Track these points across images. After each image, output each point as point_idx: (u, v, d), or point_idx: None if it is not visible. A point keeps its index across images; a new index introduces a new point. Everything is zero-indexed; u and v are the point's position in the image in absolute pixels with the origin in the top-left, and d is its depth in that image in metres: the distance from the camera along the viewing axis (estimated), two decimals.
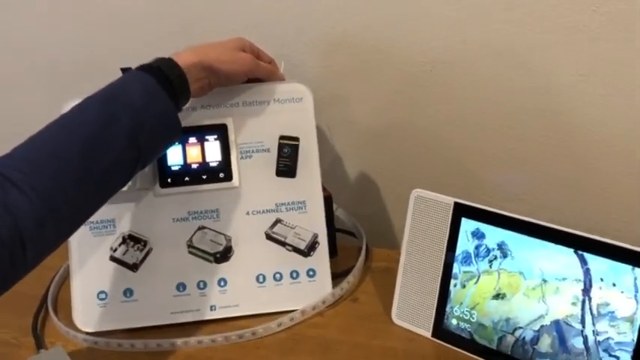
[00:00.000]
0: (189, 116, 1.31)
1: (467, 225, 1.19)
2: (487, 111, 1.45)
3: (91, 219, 1.20)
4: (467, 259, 1.19)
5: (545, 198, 1.48)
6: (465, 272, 1.19)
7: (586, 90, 1.34)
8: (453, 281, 1.21)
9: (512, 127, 1.44)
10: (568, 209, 1.47)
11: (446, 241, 1.21)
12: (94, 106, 1.08)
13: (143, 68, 1.14)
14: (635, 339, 1.02)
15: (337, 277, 1.38)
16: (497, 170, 1.50)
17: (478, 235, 1.18)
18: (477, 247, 1.18)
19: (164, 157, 1.30)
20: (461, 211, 1.19)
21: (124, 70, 1.33)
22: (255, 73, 1.29)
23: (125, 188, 1.17)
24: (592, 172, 1.42)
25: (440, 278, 1.22)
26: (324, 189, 1.37)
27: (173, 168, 1.31)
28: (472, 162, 1.51)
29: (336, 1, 1.44)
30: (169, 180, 1.31)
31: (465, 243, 1.19)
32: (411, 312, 1.27)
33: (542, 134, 1.42)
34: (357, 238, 1.53)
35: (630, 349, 1.03)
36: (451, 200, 1.20)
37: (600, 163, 1.41)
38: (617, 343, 1.04)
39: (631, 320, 1.03)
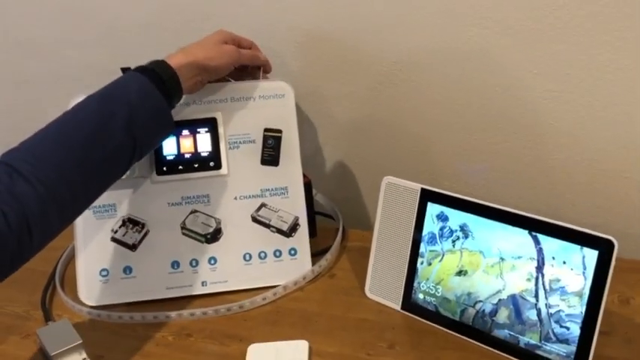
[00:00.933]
0: (183, 111, 1.31)
1: (432, 209, 1.18)
2: (451, 106, 1.44)
3: (94, 204, 1.19)
4: (432, 240, 1.18)
5: (504, 184, 1.48)
6: (430, 251, 1.19)
7: (540, 87, 1.34)
8: (420, 259, 1.20)
9: (474, 120, 1.43)
10: (524, 194, 1.46)
11: (413, 223, 1.20)
12: (94, 103, 1.08)
13: (139, 70, 1.15)
14: (584, 311, 1.02)
15: (316, 255, 1.37)
16: (460, 160, 1.49)
17: (442, 217, 1.17)
18: (441, 229, 1.17)
19: (160, 148, 1.30)
20: (427, 196, 1.19)
21: (123, 69, 1.32)
22: (239, 61, 1.28)
23: (124, 176, 1.18)
24: (546, 161, 1.41)
25: (408, 256, 1.22)
26: (304, 176, 1.36)
27: (168, 157, 1.31)
28: (438, 152, 1.50)
29: (317, 4, 1.43)
30: (165, 168, 1.31)
31: (430, 225, 1.18)
32: (382, 287, 1.26)
33: (501, 127, 1.42)
34: (334, 220, 1.52)
35: (579, 320, 1.02)
36: (418, 186, 1.20)
37: (553, 153, 1.40)
38: (568, 315, 1.04)
39: (580, 295, 1.02)
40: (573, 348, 1.03)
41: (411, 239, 1.21)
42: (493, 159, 1.46)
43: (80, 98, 1.27)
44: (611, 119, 1.32)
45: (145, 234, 1.31)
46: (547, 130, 1.38)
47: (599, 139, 1.35)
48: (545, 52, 1.30)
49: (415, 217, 1.20)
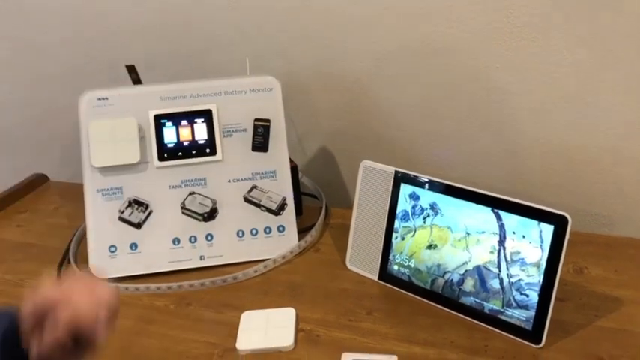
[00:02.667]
0: (181, 103, 1.29)
1: (405, 189, 1.16)
2: (422, 98, 1.42)
3: (103, 186, 1.24)
4: (405, 217, 1.16)
5: (469, 167, 1.47)
6: (404, 227, 1.17)
7: (502, 80, 1.33)
8: (394, 234, 1.18)
9: (442, 110, 1.42)
10: (488, 176, 1.45)
11: (388, 202, 1.18)
12: None
13: None
14: (541, 280, 1.00)
15: (302, 231, 1.36)
16: (430, 145, 1.48)
17: (414, 197, 1.15)
18: (413, 207, 1.15)
19: (161, 137, 1.28)
20: (400, 178, 1.17)
21: (128, 67, 1.30)
22: None
23: (134, 161, 1.23)
24: (508, 146, 1.40)
25: (384, 232, 1.20)
26: (290, 161, 1.35)
27: (169, 145, 1.29)
28: (411, 139, 1.49)
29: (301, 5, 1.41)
30: (166, 155, 1.29)
31: (403, 204, 1.16)
32: (361, 259, 1.24)
33: (466, 116, 1.40)
34: (318, 200, 1.51)
35: (537, 288, 1.01)
36: (392, 169, 1.18)
37: (515, 139, 1.39)
38: (527, 283, 1.02)
39: (537, 265, 1.01)
40: (532, 313, 1.02)
41: (386, 216, 1.19)
42: (460, 144, 1.45)
43: (89, 93, 1.26)
44: (567, 107, 1.31)
45: (149, 214, 1.29)
46: (508, 118, 1.36)
47: (555, 125, 1.34)
48: (506, 48, 1.29)
49: (390, 196, 1.18)
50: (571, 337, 1.04)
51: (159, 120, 1.28)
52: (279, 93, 1.31)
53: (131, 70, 1.36)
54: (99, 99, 1.28)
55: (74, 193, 1.36)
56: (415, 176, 1.15)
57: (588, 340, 1.03)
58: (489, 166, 1.44)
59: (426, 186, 1.13)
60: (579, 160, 1.35)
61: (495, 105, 1.36)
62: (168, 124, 1.29)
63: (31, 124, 1.82)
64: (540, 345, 1.01)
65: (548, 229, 0.99)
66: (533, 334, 1.02)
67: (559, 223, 0.98)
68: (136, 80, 1.37)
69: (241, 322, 1.13)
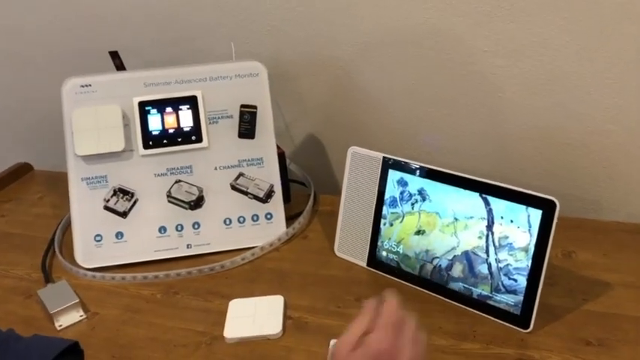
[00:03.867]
0: (166, 90, 1.30)
1: (393, 175, 1.17)
2: (409, 82, 1.43)
3: (87, 175, 1.24)
4: (393, 203, 1.17)
5: (458, 152, 1.47)
6: (392, 213, 1.18)
7: (490, 63, 1.33)
8: (382, 221, 1.19)
9: (431, 94, 1.43)
10: (476, 160, 1.46)
11: (376, 189, 1.19)
12: None
13: None
14: (530, 265, 1.02)
15: (290, 218, 1.37)
16: (418, 130, 1.49)
17: (402, 183, 1.16)
18: (401, 193, 1.16)
19: (146, 124, 1.29)
20: (388, 164, 1.18)
21: (111, 53, 1.30)
22: None
23: (118, 149, 1.23)
24: (496, 131, 1.41)
25: (372, 218, 1.21)
26: (278, 147, 1.35)
27: (154, 133, 1.29)
28: (399, 124, 1.49)
29: None
30: (151, 143, 1.29)
31: (391, 189, 1.18)
32: (349, 246, 1.26)
33: (454, 100, 1.41)
34: (306, 187, 1.52)
35: (525, 273, 1.02)
36: (380, 155, 1.19)
37: (503, 123, 1.40)
38: (515, 268, 1.04)
39: (526, 250, 1.02)
40: (520, 298, 1.03)
41: (374, 203, 1.20)
42: (449, 129, 1.45)
43: (71, 80, 1.26)
44: (555, 91, 1.32)
45: (135, 202, 1.30)
46: (497, 102, 1.37)
47: (544, 109, 1.35)
48: (494, 31, 1.30)
49: (378, 182, 1.19)
50: (559, 322, 1.06)
51: (143, 107, 1.29)
52: (265, 78, 1.32)
53: (114, 56, 1.37)
54: (82, 86, 1.29)
55: (59, 182, 1.37)
56: (403, 162, 1.16)
57: (576, 324, 1.05)
58: (478, 151, 1.45)
59: (414, 172, 1.14)
60: (568, 144, 1.36)
61: (484, 89, 1.36)
62: (153, 111, 1.29)
63: (14, 112, 1.82)
64: (529, 330, 1.03)
65: (536, 214, 1.01)
66: (521, 318, 1.04)
67: (547, 208, 1.00)
68: (120, 66, 1.37)
69: (229, 310, 1.14)
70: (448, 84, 1.39)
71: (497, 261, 1.06)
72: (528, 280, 1.02)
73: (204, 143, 1.30)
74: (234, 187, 1.32)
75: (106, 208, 1.30)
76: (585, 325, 1.04)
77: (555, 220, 0.99)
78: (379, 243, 1.20)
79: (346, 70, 1.46)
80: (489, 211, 1.06)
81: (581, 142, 1.35)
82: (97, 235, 1.30)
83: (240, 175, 1.32)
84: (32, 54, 1.71)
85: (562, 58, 1.28)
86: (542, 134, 1.38)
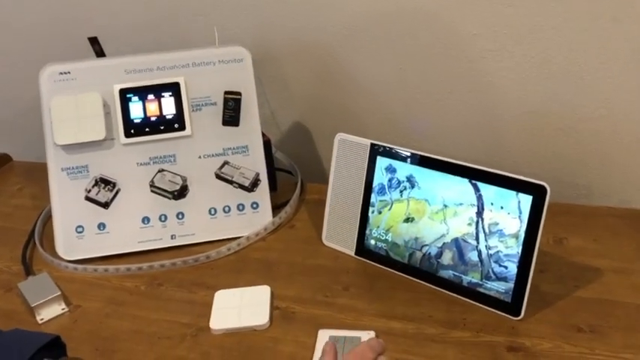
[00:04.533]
0: (148, 77, 1.30)
1: (381, 162, 1.18)
2: (398, 66, 1.43)
3: (67, 165, 1.24)
4: (382, 190, 1.18)
5: (447, 137, 1.48)
6: (380, 201, 1.19)
7: (480, 46, 1.34)
8: (371, 209, 1.20)
9: (419, 79, 1.43)
10: (466, 146, 1.47)
11: (364, 176, 1.20)
12: None
13: None
14: (520, 252, 1.03)
15: (277, 208, 1.38)
16: (407, 116, 1.49)
17: (391, 170, 1.17)
18: (390, 180, 1.17)
19: (127, 112, 1.29)
20: (376, 151, 1.18)
21: (90, 39, 1.30)
22: None
23: (99, 138, 1.24)
24: (486, 115, 1.42)
25: (360, 206, 1.22)
26: (263, 135, 1.36)
27: (135, 121, 1.29)
28: (387, 109, 1.50)
29: None
30: (132, 131, 1.29)
31: (380, 177, 1.18)
32: (337, 235, 1.26)
33: (443, 84, 1.42)
34: (293, 176, 1.52)
35: (516, 260, 1.04)
36: (368, 142, 1.19)
37: (493, 108, 1.41)
38: (506, 255, 1.05)
39: (516, 236, 1.03)
40: (511, 285, 1.05)
41: (362, 190, 1.21)
42: (438, 114, 1.46)
43: (49, 67, 1.26)
44: (546, 75, 1.33)
45: (117, 192, 1.30)
46: (487, 86, 1.38)
47: (535, 94, 1.36)
48: (484, 13, 1.30)
49: (366, 170, 1.20)
50: (550, 309, 1.07)
51: (124, 94, 1.29)
52: (249, 64, 1.32)
53: (94, 42, 1.36)
54: (60, 73, 1.28)
55: (38, 173, 1.37)
56: (391, 148, 1.17)
57: (568, 310, 1.06)
58: (467, 137, 1.46)
59: (403, 158, 1.15)
60: (559, 129, 1.37)
61: (473, 73, 1.37)
62: (135, 98, 1.29)
63: None
64: (519, 317, 1.05)
65: (526, 200, 1.02)
66: (512, 306, 1.05)
67: (538, 193, 1.01)
68: (100, 53, 1.36)
69: (215, 301, 1.15)
70: (437, 69, 1.40)
71: (488, 248, 1.07)
72: (519, 267, 1.03)
73: (188, 131, 1.30)
74: (218, 176, 1.32)
75: (88, 198, 1.30)
76: (577, 311, 1.06)
77: (546, 206, 1.00)
78: (367, 231, 1.21)
79: (333, 55, 1.46)
80: (479, 198, 1.07)
81: (572, 127, 1.37)
82: (79, 227, 1.30)
83: (225, 163, 1.32)
84: (8, 41, 1.70)
85: (554, 42, 1.28)
86: (533, 119, 1.39)
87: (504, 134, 1.42)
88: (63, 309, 1.17)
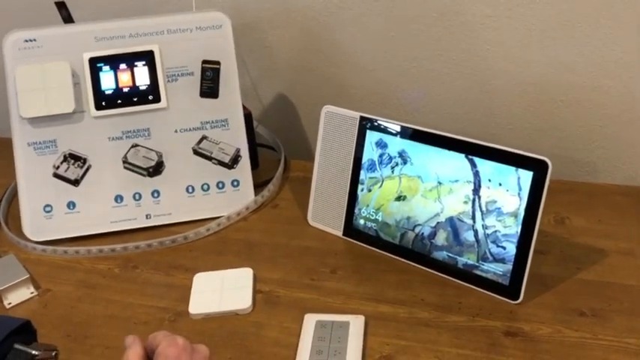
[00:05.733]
0: (120, 44, 1.29)
1: (371, 136, 1.18)
2: (389, 34, 1.43)
3: (34, 139, 1.24)
4: (372, 167, 1.19)
5: (442, 110, 1.49)
6: (370, 178, 1.19)
7: (478, 13, 1.34)
8: (360, 186, 1.21)
9: (412, 48, 1.43)
10: (463, 119, 1.48)
11: (353, 152, 1.21)
12: None
13: None
14: (519, 231, 1.04)
15: (259, 186, 1.38)
16: (399, 87, 1.49)
17: (381, 144, 1.17)
18: (380, 156, 1.18)
19: (98, 82, 1.29)
20: (366, 124, 1.19)
21: (57, 3, 1.29)
22: None
23: (68, 111, 1.23)
24: (484, 86, 1.43)
25: (349, 184, 1.22)
26: (244, 107, 1.36)
27: (107, 92, 1.29)
28: (377, 80, 1.50)
29: None
30: (104, 103, 1.29)
31: (370, 152, 1.19)
32: (324, 215, 1.27)
33: (438, 53, 1.42)
34: (276, 152, 1.52)
35: (515, 240, 1.04)
36: (357, 115, 1.20)
37: (491, 79, 1.41)
38: (504, 235, 1.05)
39: (515, 215, 1.04)
40: (509, 266, 1.05)
41: (351, 167, 1.22)
42: (431, 85, 1.46)
43: (13, 34, 1.25)
44: (548, 44, 1.33)
45: (87, 169, 1.30)
46: (484, 55, 1.38)
47: (535, 63, 1.36)
48: None
49: (355, 145, 1.21)
50: (551, 292, 1.08)
51: (95, 63, 1.29)
52: (229, 31, 1.32)
53: (61, 6, 1.35)
54: (26, 40, 1.28)
55: (2, 148, 1.36)
56: (382, 122, 1.17)
57: (569, 293, 1.08)
58: (463, 110, 1.46)
59: (394, 132, 1.16)
60: (561, 101, 1.38)
61: (469, 41, 1.37)
62: (106, 67, 1.29)
63: None
64: (518, 301, 1.06)
65: (526, 176, 1.02)
66: (510, 289, 1.06)
67: (538, 169, 1.01)
68: (68, 19, 1.36)
69: (194, 284, 1.15)
70: (431, 36, 1.40)
71: (485, 227, 1.07)
72: (518, 248, 1.04)
73: (163, 103, 1.30)
74: (196, 152, 1.33)
75: (56, 175, 1.30)
76: (578, 294, 1.07)
77: (547, 182, 1.00)
78: (356, 210, 1.22)
79: (319, 20, 1.46)
80: (476, 174, 1.08)
81: (575, 98, 1.37)
82: (47, 206, 1.30)
83: (203, 138, 1.33)
84: None
85: (555, 6, 1.29)
86: (533, 90, 1.39)
87: (503, 106, 1.43)
88: (32, 293, 1.17)
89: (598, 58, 1.31)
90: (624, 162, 1.42)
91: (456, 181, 1.10)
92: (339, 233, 1.25)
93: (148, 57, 1.30)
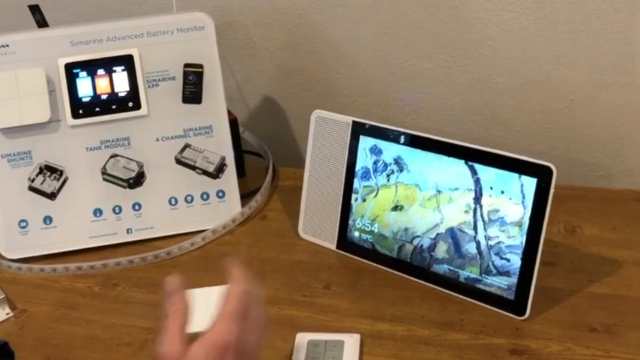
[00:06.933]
0: (97, 49, 1.30)
1: (365, 142, 1.19)
2: (383, 31, 1.44)
3: (8, 151, 1.25)
4: (366, 175, 1.19)
5: (441, 112, 1.49)
6: (365, 187, 1.20)
7: (478, 6, 1.35)
8: (354, 196, 1.21)
9: (409, 45, 1.44)
10: (464, 122, 1.48)
11: (346, 159, 1.21)
12: None
13: None
14: (524, 242, 1.04)
15: (246, 196, 1.39)
16: (394, 88, 1.50)
17: (376, 151, 1.18)
18: (375, 163, 1.18)
19: (75, 89, 1.29)
20: (359, 129, 1.19)
21: (31, 7, 1.30)
22: None
23: (43, 120, 1.24)
24: (487, 85, 1.43)
25: (342, 193, 1.23)
26: (229, 113, 1.37)
27: (84, 99, 1.30)
28: (371, 81, 1.51)
29: None
30: (81, 111, 1.30)
31: (363, 159, 1.19)
32: (316, 226, 1.28)
33: (437, 51, 1.42)
34: (263, 159, 1.53)
35: (519, 251, 1.04)
36: (349, 119, 1.20)
37: (494, 77, 1.41)
38: (508, 246, 1.06)
39: (519, 224, 1.04)
40: (515, 280, 1.05)
41: (344, 175, 1.22)
42: (429, 86, 1.47)
43: None
44: (554, 38, 1.33)
45: (64, 181, 1.31)
46: (487, 52, 1.39)
47: (542, 60, 1.36)
48: None
49: (347, 151, 1.21)
50: (559, 307, 1.08)
51: (71, 69, 1.29)
52: (212, 32, 1.32)
53: (35, 10, 1.36)
54: None
55: None
56: (376, 126, 1.18)
57: (580, 308, 1.08)
58: (465, 110, 1.46)
59: (390, 137, 1.16)
60: (571, 100, 1.38)
61: (471, 37, 1.38)
62: (83, 74, 1.30)
63: None
64: (524, 316, 1.06)
65: (530, 183, 1.03)
66: (515, 304, 1.06)
67: (542, 175, 1.01)
68: (42, 22, 1.37)
69: None
70: (428, 32, 1.40)
71: (487, 238, 1.08)
72: (523, 260, 1.04)
73: (143, 110, 1.31)
74: (179, 161, 1.34)
75: (31, 188, 1.31)
76: (590, 309, 1.07)
77: (552, 189, 1.00)
78: (350, 222, 1.22)
79: (306, 18, 1.47)
80: (477, 181, 1.08)
81: (587, 97, 1.37)
82: (22, 221, 1.31)
83: (187, 146, 1.34)
84: None
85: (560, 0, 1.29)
86: (540, 89, 1.39)
87: (507, 107, 1.43)
88: (7, 314, 1.18)
89: (610, 53, 1.31)
90: None
91: (456, 189, 1.10)
92: (332, 246, 1.25)
93: (127, 61, 1.30)
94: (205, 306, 1.13)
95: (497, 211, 1.06)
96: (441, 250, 1.12)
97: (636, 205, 1.30)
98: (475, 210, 1.08)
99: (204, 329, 1.08)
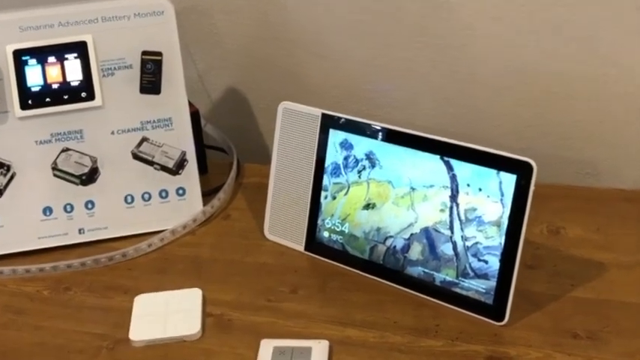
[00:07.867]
0: (47, 35, 1.30)
1: (335, 136, 1.20)
2: (356, 18, 1.45)
3: None
4: (336, 171, 1.21)
5: (417, 105, 1.50)
6: (334, 184, 1.21)
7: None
8: (323, 193, 1.23)
9: (382, 33, 1.45)
10: (441, 116, 1.49)
11: (315, 154, 1.23)
12: None
13: None
14: (503, 242, 1.05)
15: (208, 194, 1.39)
16: (367, 79, 1.51)
17: (346, 145, 1.19)
18: (345, 158, 1.19)
19: (23, 78, 1.29)
20: (329, 123, 1.21)
21: None
22: None
23: None
24: (466, 77, 1.44)
25: (310, 191, 1.24)
26: (190, 105, 1.37)
27: (33, 89, 1.30)
28: (342, 72, 1.52)
29: None
30: (30, 101, 1.30)
31: (333, 154, 1.21)
32: (283, 227, 1.29)
33: (413, 39, 1.43)
34: (227, 154, 1.54)
35: (498, 252, 1.06)
36: (318, 111, 1.21)
37: (475, 67, 1.43)
38: (486, 247, 1.07)
39: (498, 224, 1.06)
40: (493, 283, 1.07)
41: (312, 172, 1.23)
42: (402, 76, 1.48)
43: None
44: (539, 26, 1.34)
45: (11, 177, 1.31)
46: (467, 40, 1.40)
47: (525, 49, 1.37)
48: None
49: (316, 146, 1.22)
50: (541, 312, 1.10)
51: (19, 57, 1.30)
52: (172, 17, 1.33)
53: None
54: None
55: None
56: (347, 119, 1.19)
57: (562, 313, 1.09)
58: (442, 103, 1.48)
59: (361, 131, 1.17)
60: (555, 93, 1.39)
61: (449, 24, 1.39)
62: (32, 61, 1.30)
63: None
64: (503, 322, 1.07)
65: (509, 180, 1.04)
66: (494, 309, 1.08)
67: (522, 172, 1.03)
68: None
69: (134, 308, 1.17)
70: (404, 19, 1.41)
71: (464, 239, 1.09)
72: (502, 262, 1.06)
73: (98, 101, 1.31)
74: (136, 156, 1.34)
75: None
76: (572, 314, 1.09)
77: (532, 187, 1.02)
78: (319, 221, 1.24)
79: (276, 4, 1.48)
80: (453, 178, 1.09)
81: (572, 89, 1.38)
82: None
83: (144, 140, 1.34)
84: None
85: None
86: (523, 81, 1.40)
87: (488, 100, 1.44)
88: None
89: (598, 42, 1.32)
90: (629, 162, 1.43)
91: (431, 186, 1.11)
92: (300, 248, 1.27)
93: (80, 48, 1.31)
94: (158, 312, 1.15)
95: (475, 209, 1.08)
96: (416, 252, 1.14)
97: (624, 205, 1.32)
98: (451, 208, 1.10)
99: (156, 337, 1.09)
